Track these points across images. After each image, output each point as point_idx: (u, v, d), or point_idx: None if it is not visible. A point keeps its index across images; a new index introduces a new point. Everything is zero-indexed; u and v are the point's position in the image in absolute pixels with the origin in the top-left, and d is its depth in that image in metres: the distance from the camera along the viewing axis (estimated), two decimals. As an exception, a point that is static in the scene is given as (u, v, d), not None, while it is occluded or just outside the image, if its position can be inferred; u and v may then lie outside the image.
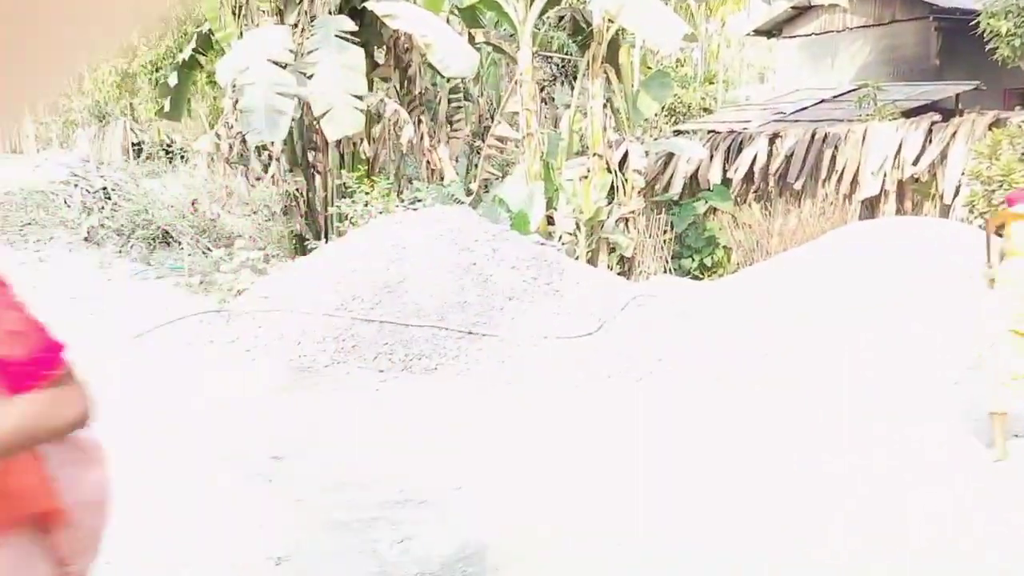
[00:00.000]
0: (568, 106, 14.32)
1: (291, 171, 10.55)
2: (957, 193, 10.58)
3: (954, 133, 10.99)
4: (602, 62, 11.27)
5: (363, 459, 4.42)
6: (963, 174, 10.38)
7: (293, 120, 9.52)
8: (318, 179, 10.69)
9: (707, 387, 5.63)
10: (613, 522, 3.62)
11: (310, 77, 8.82)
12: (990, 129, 10.41)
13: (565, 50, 17.23)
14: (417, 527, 3.56)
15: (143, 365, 5.84)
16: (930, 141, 11.20)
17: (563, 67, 20.19)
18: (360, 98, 8.93)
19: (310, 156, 10.73)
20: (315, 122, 9.58)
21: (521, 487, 4.04)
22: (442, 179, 11.53)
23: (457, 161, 13.67)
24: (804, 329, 6.33)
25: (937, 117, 11.65)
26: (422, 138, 11.60)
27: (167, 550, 3.35)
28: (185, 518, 3.62)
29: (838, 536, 3.48)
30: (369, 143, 11.23)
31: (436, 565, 3.25)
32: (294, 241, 10.36)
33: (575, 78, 15.08)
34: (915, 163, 11.16)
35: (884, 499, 3.83)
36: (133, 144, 17.71)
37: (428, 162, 11.86)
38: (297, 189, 10.49)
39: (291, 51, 8.90)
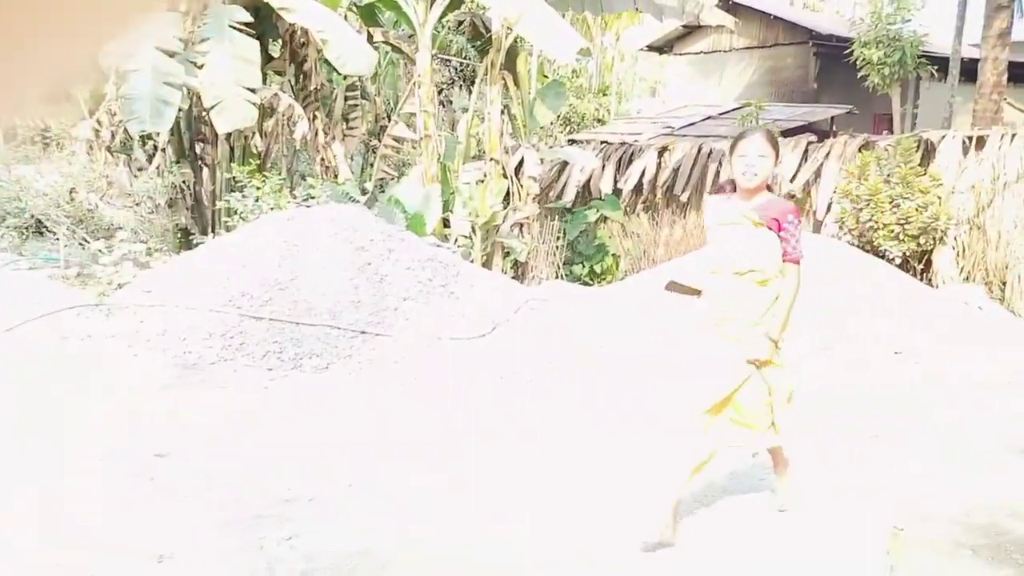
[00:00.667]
0: (466, 110, 14.40)
1: (177, 163, 10.20)
2: (829, 210, 11.25)
3: (827, 154, 11.67)
4: (500, 68, 11.41)
5: (250, 457, 4.34)
6: (834, 192, 11.05)
7: (181, 110, 9.21)
8: (206, 172, 10.38)
9: (594, 389, 5.80)
10: (500, 521, 3.69)
11: (200, 67, 8.57)
12: (860, 151, 11.12)
13: (464, 54, 17.31)
14: (305, 524, 3.54)
15: (15, 360, 5.54)
16: (806, 160, 11.86)
17: (461, 71, 20.28)
18: (253, 91, 8.74)
19: (198, 148, 10.41)
20: (204, 113, 9.30)
21: (410, 485, 4.07)
22: (336, 177, 11.40)
23: (352, 160, 13.53)
24: (687, 334, 6.60)
25: (813, 138, 12.34)
26: (316, 134, 11.44)
27: (42, 549, 3.21)
28: (61, 517, 3.47)
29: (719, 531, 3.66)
30: (261, 137, 10.99)
31: (325, 560, 3.23)
32: (179, 235, 10.01)
33: (473, 82, 15.17)
34: (791, 180, 11.80)
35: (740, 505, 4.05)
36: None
37: (322, 159, 11.71)
38: (184, 182, 10.15)
39: (181, 39, 8.62)
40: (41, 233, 9.78)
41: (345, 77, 11.85)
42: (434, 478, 4.16)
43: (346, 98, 12.67)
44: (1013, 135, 10.28)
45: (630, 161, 14.19)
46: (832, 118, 16.77)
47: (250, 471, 4.14)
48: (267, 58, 10.48)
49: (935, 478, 4.17)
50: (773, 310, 3.46)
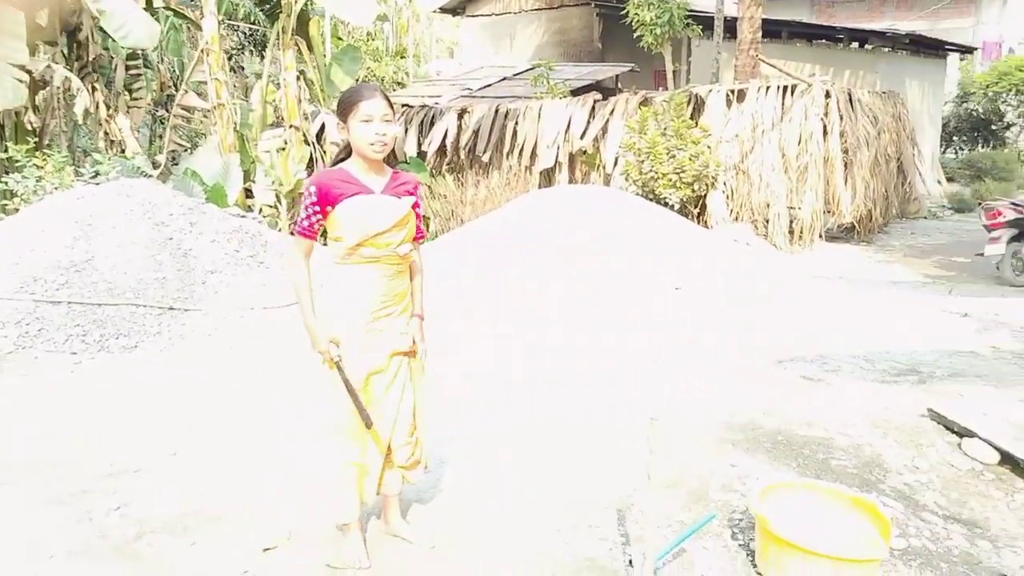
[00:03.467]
0: (259, 76, 14.05)
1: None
2: (616, 163, 12.12)
3: (612, 111, 12.52)
4: (292, 34, 11.27)
5: (68, 438, 4.29)
6: (620, 146, 11.91)
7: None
8: (-25, 153, 9.60)
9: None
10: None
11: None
12: (640, 107, 12.02)
13: (252, 18, 16.76)
14: (134, 494, 3.62)
15: None
16: (593, 117, 12.65)
17: (251, 36, 19.59)
18: (22, 66, 8.20)
19: (-37, 127, 9.61)
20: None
21: (233, 449, 4.21)
22: (124, 151, 10.88)
23: (139, 132, 12.88)
24: (482, 291, 7.04)
25: (599, 96, 13.17)
26: (97, 107, 10.84)
27: None
28: None
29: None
30: (35, 113, 10.28)
31: (157, 523, 3.35)
32: (-50, 222, 9.23)
33: (264, 48, 14.73)
34: (582, 137, 12.56)
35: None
36: None
37: (106, 133, 11.11)
38: (-50, 164, 9.36)
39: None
40: None
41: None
42: (253, 439, 4.33)
43: (127, 67, 12.02)
44: (767, 88, 11.51)
45: (431, 124, 14.47)
46: (617, 76, 17.82)
47: (69, 450, 4.12)
48: (34, 27, 9.77)
49: (706, 390, 4.85)
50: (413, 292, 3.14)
